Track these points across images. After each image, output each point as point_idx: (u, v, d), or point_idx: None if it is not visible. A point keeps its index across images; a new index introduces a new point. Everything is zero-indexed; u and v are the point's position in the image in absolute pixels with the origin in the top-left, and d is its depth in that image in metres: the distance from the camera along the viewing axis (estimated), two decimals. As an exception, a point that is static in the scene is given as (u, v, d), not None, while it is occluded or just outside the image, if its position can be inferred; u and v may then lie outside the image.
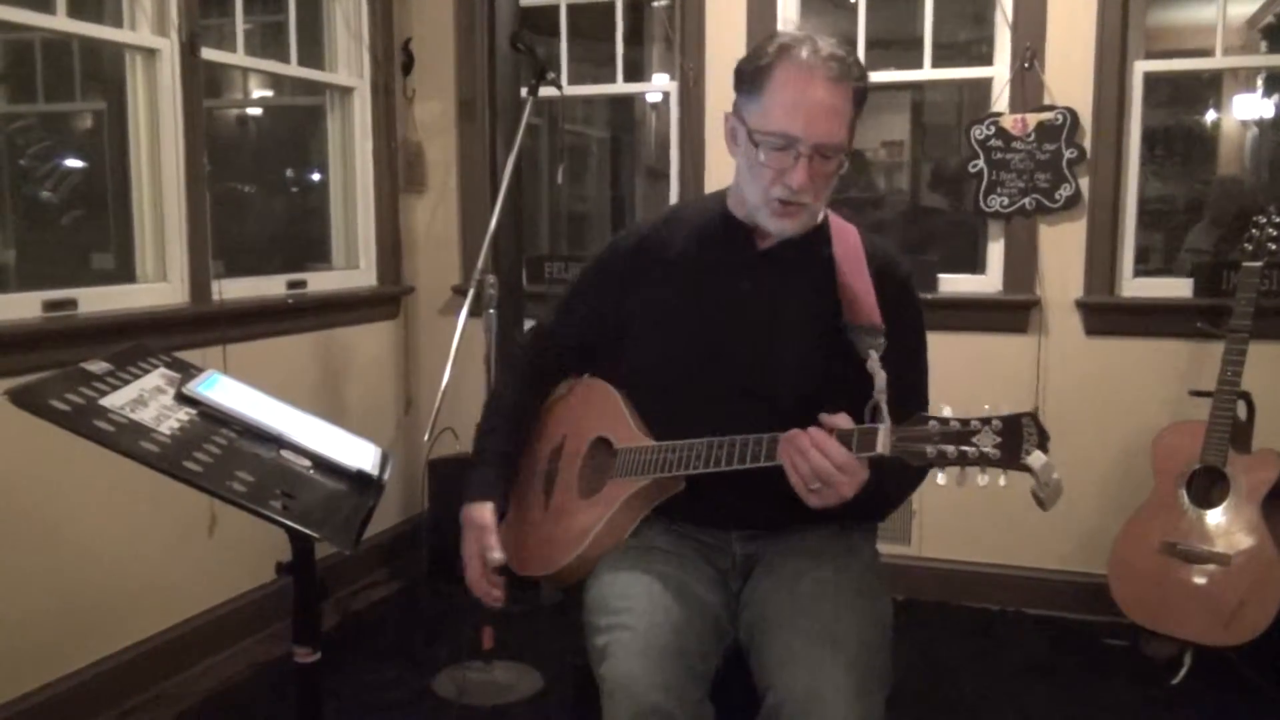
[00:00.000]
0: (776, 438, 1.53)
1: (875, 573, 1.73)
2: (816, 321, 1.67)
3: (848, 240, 1.73)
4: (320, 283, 3.71)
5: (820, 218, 1.76)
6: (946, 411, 1.41)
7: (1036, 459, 1.32)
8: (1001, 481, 1.36)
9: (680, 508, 1.72)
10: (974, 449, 1.36)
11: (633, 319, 1.83)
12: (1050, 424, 3.68)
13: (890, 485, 1.59)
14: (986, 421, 1.36)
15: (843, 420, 1.49)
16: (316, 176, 4.06)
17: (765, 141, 1.60)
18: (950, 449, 1.37)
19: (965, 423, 1.37)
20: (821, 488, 1.48)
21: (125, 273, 3.09)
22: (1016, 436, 1.34)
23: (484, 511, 1.81)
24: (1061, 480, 1.32)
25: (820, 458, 1.46)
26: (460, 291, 4.01)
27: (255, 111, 4.54)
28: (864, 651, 1.54)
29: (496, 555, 1.76)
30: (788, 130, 1.58)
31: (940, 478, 1.41)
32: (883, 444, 1.42)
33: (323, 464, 1.55)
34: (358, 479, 1.57)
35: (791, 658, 1.52)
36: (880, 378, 1.51)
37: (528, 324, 2.24)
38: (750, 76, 1.63)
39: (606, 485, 1.77)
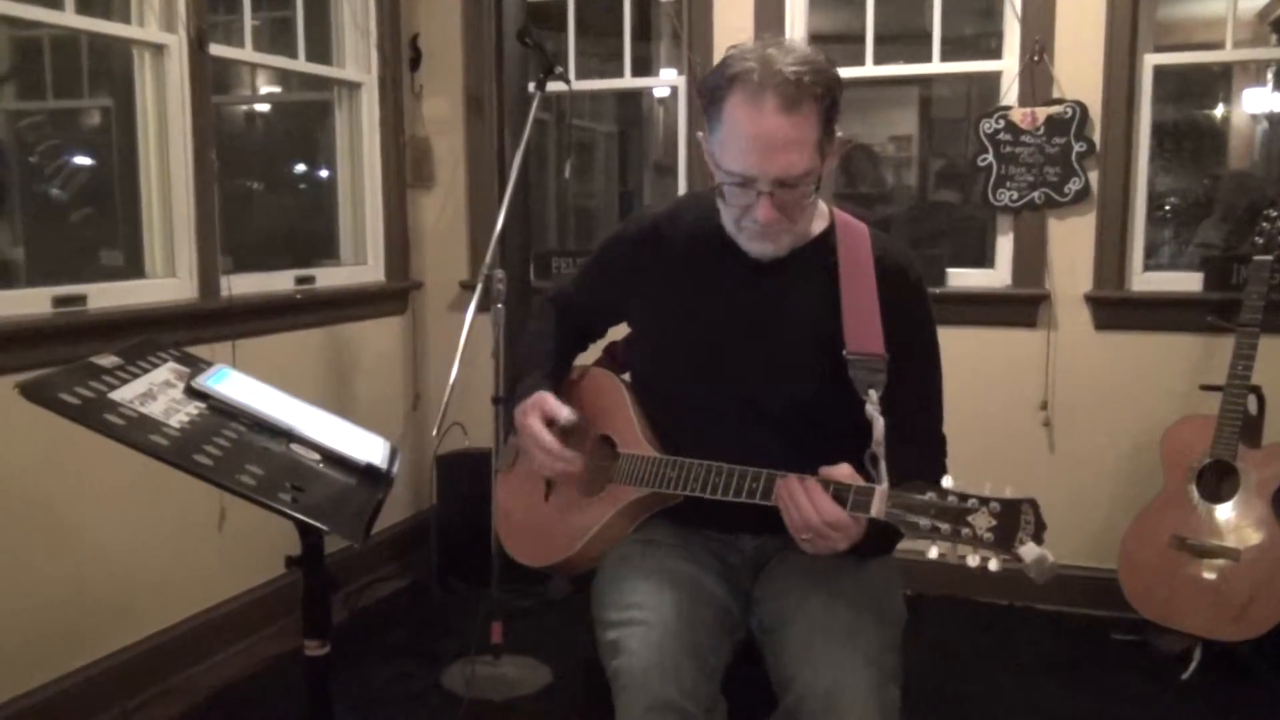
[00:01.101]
0: (775, 476, 1.51)
1: (890, 569, 1.72)
2: (815, 337, 1.63)
3: (855, 246, 1.67)
4: (328, 278, 3.72)
5: (825, 222, 1.71)
6: (947, 482, 1.37)
7: (1029, 552, 1.29)
8: (993, 566, 1.33)
9: (685, 513, 1.71)
10: (968, 529, 1.33)
11: (634, 310, 1.83)
12: (1059, 418, 3.67)
13: (883, 537, 1.53)
14: (985, 501, 1.33)
15: (842, 473, 1.46)
16: (324, 172, 4.06)
17: (725, 179, 1.55)
18: (944, 526, 1.34)
19: (964, 499, 1.34)
20: (813, 539, 1.46)
21: (134, 268, 3.10)
22: (1013, 524, 1.31)
23: (539, 395, 1.76)
24: (1056, 565, 1.29)
25: (811, 511, 1.44)
26: (468, 287, 4.01)
27: (263, 107, 4.55)
28: (881, 649, 1.54)
29: (565, 413, 1.73)
30: (744, 170, 1.51)
31: (932, 551, 1.37)
32: (877, 508, 1.40)
33: (332, 458, 1.56)
34: (367, 473, 1.57)
35: (811, 654, 1.52)
36: (878, 426, 1.46)
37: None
38: (707, 104, 1.55)
39: (607, 488, 1.76)
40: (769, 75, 1.47)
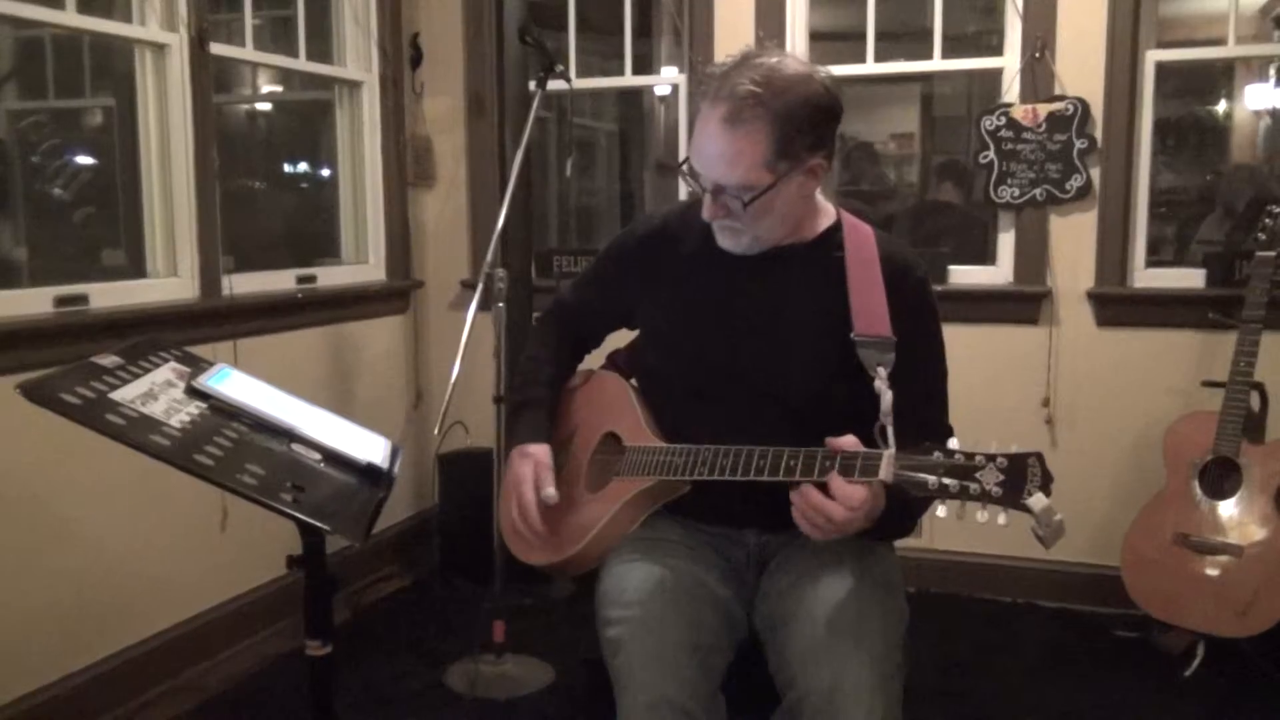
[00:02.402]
0: (781, 452, 1.52)
1: (893, 567, 1.73)
2: (825, 325, 1.65)
3: (861, 242, 1.70)
4: (330, 277, 3.71)
5: (830, 219, 1.74)
6: (953, 444, 1.39)
7: (1037, 501, 1.30)
8: (1001, 520, 1.35)
9: (690, 507, 1.72)
10: (976, 485, 1.34)
11: (642, 310, 1.84)
12: (1061, 415, 3.68)
13: (902, 512, 1.56)
14: (992, 458, 1.35)
15: (848, 442, 1.47)
16: (325, 171, 4.06)
17: (691, 167, 1.62)
18: (952, 483, 1.36)
19: (970, 457, 1.36)
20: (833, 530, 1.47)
21: (136, 268, 3.10)
22: (1020, 477, 1.33)
23: (541, 450, 1.80)
24: (1064, 521, 1.31)
25: (828, 506, 1.45)
26: (469, 286, 4.01)
27: (264, 106, 4.55)
28: (885, 646, 1.54)
29: (551, 491, 1.75)
30: (696, 165, 1.60)
31: (940, 510, 1.40)
32: (885, 472, 1.41)
33: (333, 457, 1.55)
34: (368, 472, 1.57)
35: (815, 653, 1.52)
36: (886, 399, 1.49)
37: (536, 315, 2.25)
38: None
39: (613, 482, 1.77)
40: (723, 87, 1.54)
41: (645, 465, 1.71)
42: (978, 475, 1.35)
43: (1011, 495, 1.33)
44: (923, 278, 1.72)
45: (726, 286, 1.72)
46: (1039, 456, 1.33)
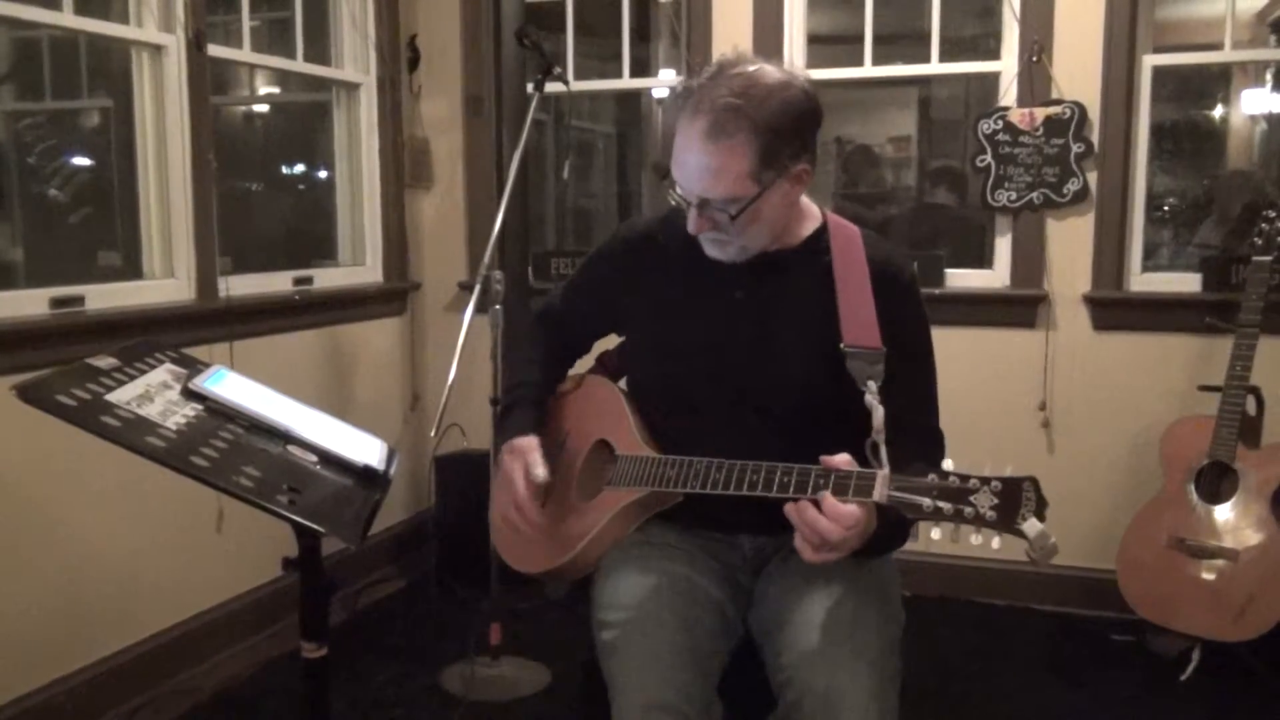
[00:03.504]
0: (775, 468, 1.51)
1: (889, 571, 1.72)
2: (813, 333, 1.64)
3: (847, 245, 1.69)
4: (327, 279, 3.71)
5: (815, 223, 1.72)
6: (948, 464, 1.39)
7: (1032, 527, 1.31)
8: (995, 544, 1.36)
9: (683, 513, 1.71)
10: (970, 509, 1.34)
11: (628, 318, 1.83)
12: (1058, 419, 3.67)
13: (892, 530, 1.54)
14: (986, 481, 1.34)
15: (842, 461, 1.46)
16: (323, 173, 4.06)
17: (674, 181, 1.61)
18: (946, 505, 1.35)
19: (965, 479, 1.35)
20: (831, 546, 1.45)
21: (132, 270, 3.10)
22: (1015, 501, 1.33)
23: (527, 440, 1.77)
24: (1057, 543, 1.31)
25: (824, 522, 1.43)
26: (466, 287, 4.01)
27: (261, 108, 4.55)
28: (881, 650, 1.54)
29: (540, 471, 1.72)
30: (679, 180, 1.58)
31: (935, 532, 1.39)
32: (879, 493, 1.40)
33: (329, 459, 1.55)
34: (364, 474, 1.57)
35: (811, 655, 1.52)
36: (878, 415, 1.48)
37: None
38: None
39: (604, 491, 1.76)
40: (703, 101, 1.52)
41: (637, 476, 1.69)
42: (972, 499, 1.34)
43: (1006, 520, 1.32)
44: (911, 280, 1.71)
45: (713, 293, 1.70)
46: (1034, 481, 1.33)
